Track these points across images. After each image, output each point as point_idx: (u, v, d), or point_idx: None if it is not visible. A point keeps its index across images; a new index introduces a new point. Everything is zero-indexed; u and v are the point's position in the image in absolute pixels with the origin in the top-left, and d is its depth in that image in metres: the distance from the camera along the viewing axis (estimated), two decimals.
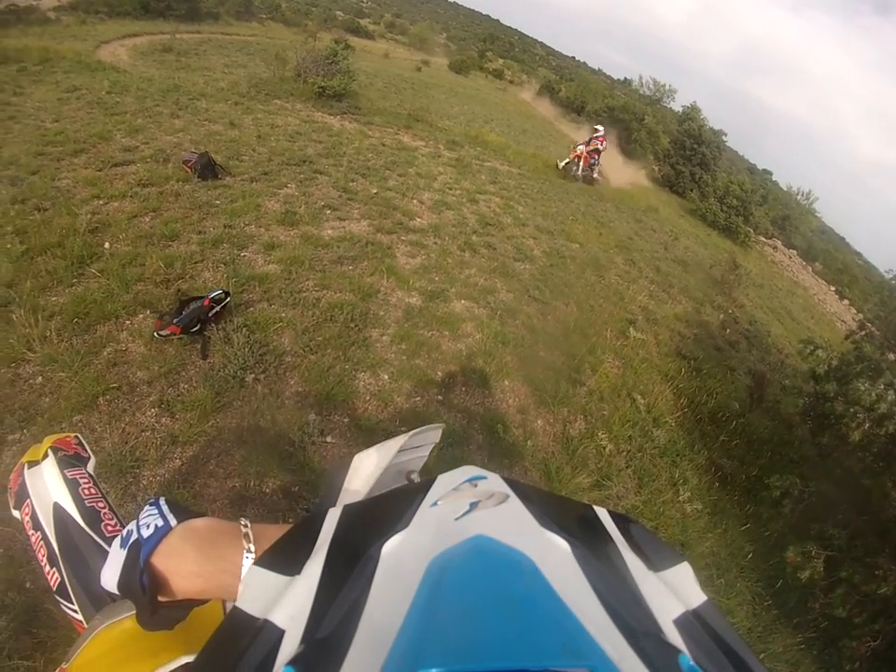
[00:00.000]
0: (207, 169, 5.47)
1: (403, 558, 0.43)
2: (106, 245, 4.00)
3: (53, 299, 3.40)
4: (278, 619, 0.41)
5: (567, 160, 13.05)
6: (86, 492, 0.93)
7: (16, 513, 0.95)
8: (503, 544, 0.40)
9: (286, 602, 0.43)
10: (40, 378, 2.87)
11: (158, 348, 3.19)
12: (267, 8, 34.45)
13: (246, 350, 3.27)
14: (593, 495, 3.48)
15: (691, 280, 8.98)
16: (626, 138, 31.44)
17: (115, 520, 0.93)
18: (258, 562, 0.51)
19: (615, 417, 4.17)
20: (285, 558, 0.50)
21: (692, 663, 0.34)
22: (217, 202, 5.09)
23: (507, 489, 0.52)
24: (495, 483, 0.55)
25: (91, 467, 1.02)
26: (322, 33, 29.34)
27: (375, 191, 6.47)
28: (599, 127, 13.98)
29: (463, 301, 4.66)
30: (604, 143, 13.43)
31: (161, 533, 0.62)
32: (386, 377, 3.57)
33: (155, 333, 3.21)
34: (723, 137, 31.38)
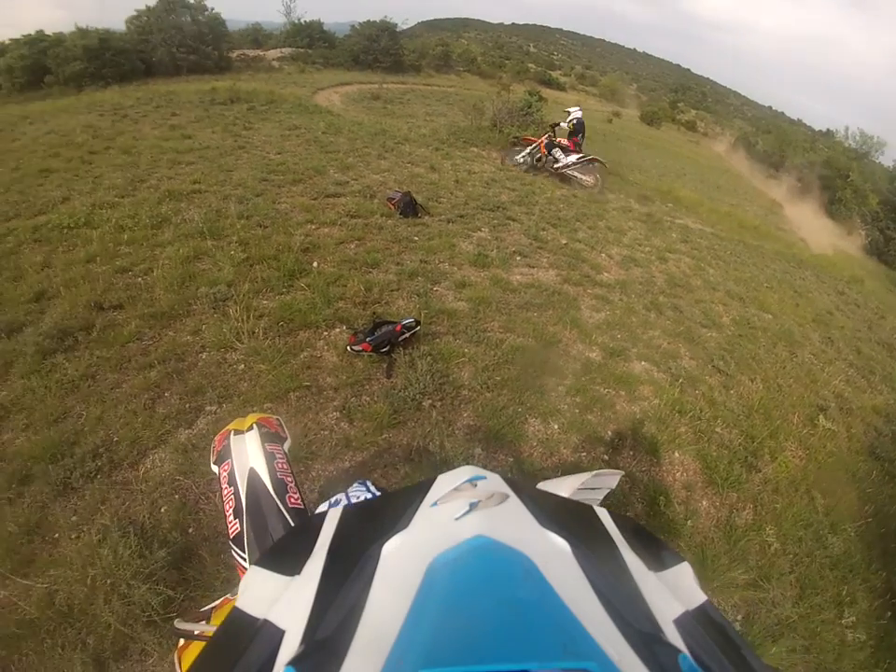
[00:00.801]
0: (409, 207, 6.14)
1: (403, 558, 0.45)
2: (315, 263, 4.69)
3: (264, 302, 4.09)
4: (278, 619, 0.44)
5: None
6: (279, 465, 1.12)
7: (215, 468, 1.16)
8: (503, 544, 0.42)
9: (286, 602, 0.47)
10: (243, 366, 3.45)
11: (348, 361, 3.62)
12: (464, 62, 37.57)
13: (428, 377, 3.56)
14: (746, 594, 3.17)
15: None
16: (829, 197, 28.88)
17: (298, 495, 1.11)
18: (257, 562, 0.54)
19: (788, 513, 3.77)
20: (285, 558, 0.54)
21: (692, 662, 0.36)
22: (416, 238, 5.71)
23: (507, 489, 0.55)
24: (495, 483, 0.57)
25: (286, 446, 1.23)
26: (515, 84, 31.36)
27: (565, 242, 6.72)
28: (572, 109, 11.08)
29: (643, 363, 4.61)
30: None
31: None
32: (556, 427, 3.63)
33: (348, 347, 3.64)
34: None
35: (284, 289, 4.26)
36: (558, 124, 10.81)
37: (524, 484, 0.58)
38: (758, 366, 5.46)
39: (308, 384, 3.37)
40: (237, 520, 1.03)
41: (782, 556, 3.50)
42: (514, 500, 0.53)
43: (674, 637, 0.42)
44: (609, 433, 3.77)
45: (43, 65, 17.98)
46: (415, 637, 0.33)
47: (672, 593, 0.48)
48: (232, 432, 1.19)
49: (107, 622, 1.99)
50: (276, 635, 0.43)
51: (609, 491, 1.11)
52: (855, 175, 30.60)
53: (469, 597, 0.35)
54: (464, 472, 0.60)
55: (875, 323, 9.80)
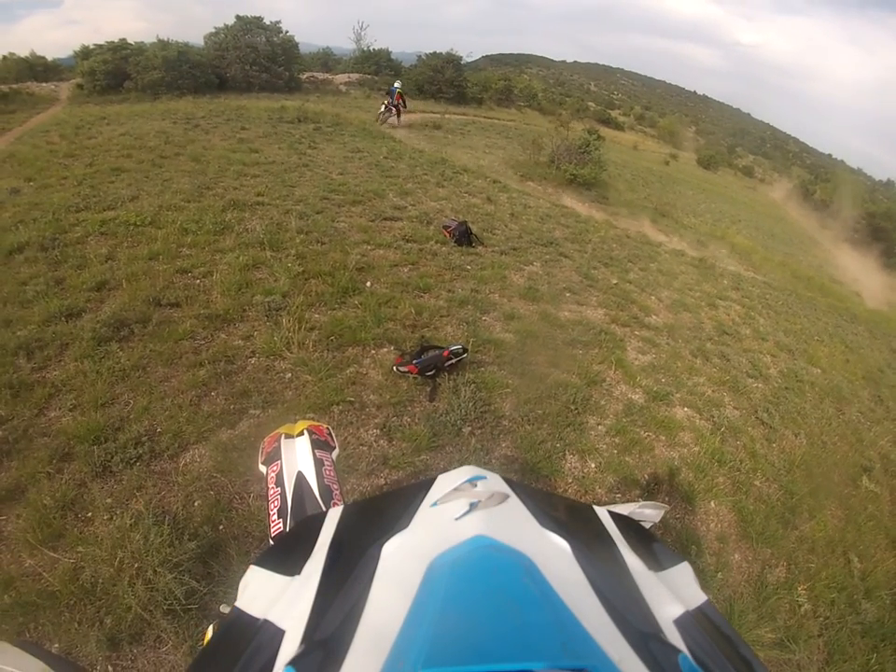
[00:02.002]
0: (464, 236, 6.24)
1: (403, 558, 0.45)
2: (368, 283, 4.79)
3: (316, 316, 4.19)
4: (278, 619, 0.45)
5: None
6: (327, 472, 1.15)
7: (262, 468, 1.18)
8: (503, 544, 0.42)
9: (286, 602, 0.47)
10: (290, 374, 3.52)
11: (393, 381, 3.66)
12: (525, 97, 38.16)
13: (470, 404, 3.57)
14: (772, 653, 3.03)
15: None
16: (887, 250, 27.87)
17: (342, 502, 1.11)
18: (257, 562, 0.55)
19: (822, 574, 3.59)
20: (285, 558, 0.54)
21: (692, 662, 0.36)
22: (469, 267, 5.79)
23: (507, 489, 0.55)
24: (495, 483, 0.57)
25: (334, 455, 1.25)
26: (574, 122, 31.55)
27: (615, 282, 6.70)
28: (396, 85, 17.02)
29: (686, 409, 4.54)
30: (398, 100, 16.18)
31: None
32: (593, 465, 3.59)
33: (394, 368, 3.68)
34: None
35: (336, 305, 4.36)
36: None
37: (524, 485, 0.58)
38: (803, 421, 5.32)
39: (352, 399, 3.41)
40: (280, 520, 1.05)
41: (812, 618, 3.37)
42: (514, 500, 0.53)
43: (674, 637, 0.42)
44: (646, 476, 3.72)
45: (123, 71, 18.99)
46: (416, 636, 0.33)
47: (672, 593, 0.48)
48: (283, 436, 1.23)
49: (128, 604, 2.03)
50: (276, 635, 0.43)
51: (652, 525, 1.10)
52: None
53: (470, 597, 0.35)
54: (464, 472, 0.59)
55: None
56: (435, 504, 0.53)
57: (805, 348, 7.34)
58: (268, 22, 22.94)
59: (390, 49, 34.00)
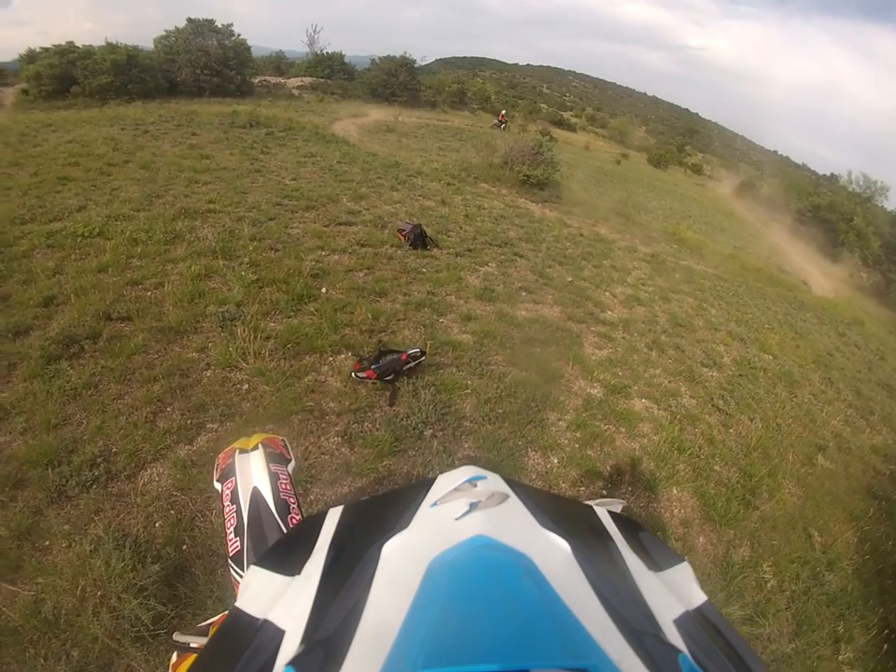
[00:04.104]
0: (419, 239, 6.22)
1: (403, 559, 0.45)
2: (324, 289, 4.73)
3: (272, 324, 4.11)
4: (278, 619, 0.44)
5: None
6: (283, 486, 1.11)
7: (217, 486, 1.14)
8: (503, 544, 0.42)
9: (286, 602, 0.46)
10: (247, 386, 3.44)
11: (352, 387, 3.62)
12: (478, 100, 38.48)
13: (430, 407, 3.56)
14: (743, 630, 3.11)
15: None
16: (832, 240, 29.24)
17: (300, 516, 1.09)
18: (257, 562, 0.54)
19: (785, 551, 3.74)
20: (285, 558, 0.54)
21: (692, 662, 0.36)
22: (424, 269, 5.78)
23: (507, 489, 0.54)
24: (495, 483, 0.57)
25: (290, 467, 1.21)
26: (528, 124, 31.98)
27: (570, 280, 6.79)
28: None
29: (644, 400, 4.63)
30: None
31: None
32: (556, 461, 3.62)
33: (353, 374, 3.64)
34: None
35: (292, 313, 4.29)
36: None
37: (523, 485, 0.58)
38: (757, 405, 5.50)
39: (311, 407, 3.36)
40: (238, 538, 1.02)
41: (778, 593, 3.50)
42: (514, 500, 0.52)
43: (674, 637, 0.42)
44: (608, 469, 3.77)
45: (71, 75, 18.38)
46: (416, 636, 0.33)
47: (672, 593, 0.48)
48: (237, 451, 1.18)
49: (94, 634, 1.96)
50: (276, 635, 0.43)
51: None
52: (858, 218, 31.13)
53: (470, 597, 0.35)
54: (464, 472, 0.59)
55: (876, 364, 9.86)
56: (435, 504, 0.53)
57: (756, 336, 7.58)
58: (220, 25, 22.59)
59: (344, 53, 33.81)
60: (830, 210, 30.97)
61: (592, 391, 4.48)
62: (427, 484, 0.59)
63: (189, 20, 22.05)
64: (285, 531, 1.03)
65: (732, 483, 4.13)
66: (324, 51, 33.31)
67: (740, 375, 5.99)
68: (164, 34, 21.80)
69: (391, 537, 0.48)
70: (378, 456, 3.15)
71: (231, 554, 1.02)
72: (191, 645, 0.93)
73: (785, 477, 4.56)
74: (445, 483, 0.57)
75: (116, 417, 3.00)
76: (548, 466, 3.58)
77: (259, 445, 1.19)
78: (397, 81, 28.51)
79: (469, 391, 3.91)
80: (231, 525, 1.05)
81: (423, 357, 3.87)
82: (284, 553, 0.56)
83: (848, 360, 9.12)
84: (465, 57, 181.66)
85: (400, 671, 0.30)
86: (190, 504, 2.61)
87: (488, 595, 0.35)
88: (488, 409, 3.79)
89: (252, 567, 0.54)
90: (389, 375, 3.66)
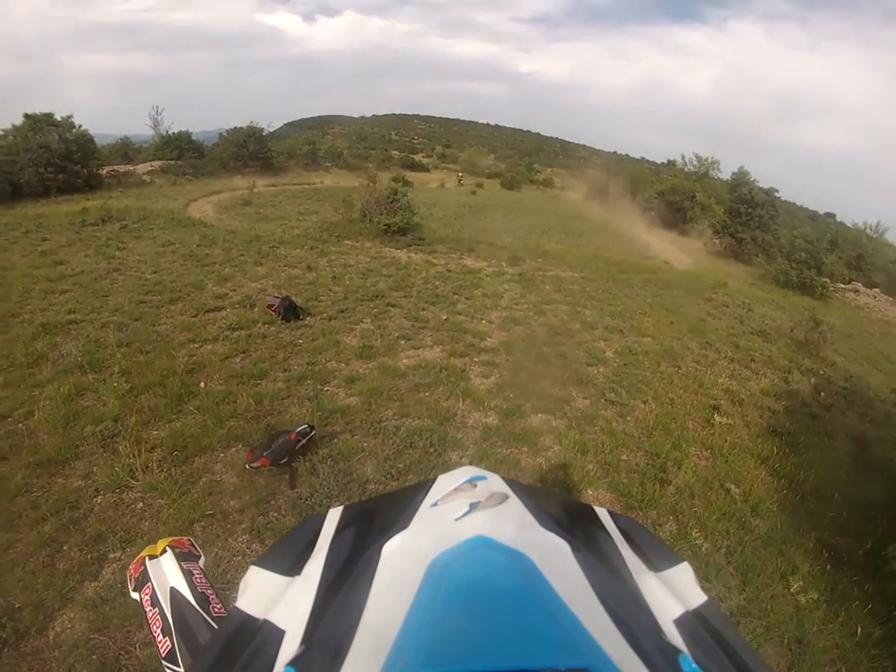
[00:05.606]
0: (290, 311, 6.16)
1: (403, 559, 0.44)
2: (202, 384, 4.55)
3: (155, 432, 3.89)
4: (278, 619, 0.44)
5: None
6: (198, 580, 1.11)
7: (135, 595, 1.13)
8: (503, 544, 0.42)
9: (286, 602, 0.46)
10: (141, 504, 3.24)
11: (249, 479, 3.50)
12: (331, 157, 38.74)
13: (332, 479, 3.52)
14: None
15: (773, 349, 8.68)
16: (682, 218, 31.75)
17: (220, 605, 1.10)
18: (258, 562, 0.54)
19: (708, 513, 3.91)
20: (285, 558, 0.54)
21: (692, 663, 0.36)
22: (300, 341, 5.72)
23: (507, 489, 0.54)
24: (495, 483, 0.57)
25: (201, 562, 1.21)
26: (382, 173, 32.62)
27: (445, 317, 6.95)
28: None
29: (539, 415, 4.76)
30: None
31: None
32: None
33: (247, 465, 3.52)
34: (776, 193, 31.58)
35: (173, 416, 4.09)
36: None
37: (524, 485, 0.57)
38: (647, 387, 5.80)
39: (212, 511, 3.22)
40: (166, 637, 1.02)
41: (715, 553, 3.62)
42: (514, 501, 0.52)
43: (674, 637, 0.42)
44: None
45: None
46: (416, 637, 0.32)
47: (672, 593, 0.48)
48: (147, 557, 1.17)
49: None
50: (276, 635, 0.42)
51: None
52: (700, 193, 33.97)
53: (470, 597, 0.35)
54: (464, 472, 0.58)
55: (745, 316, 10.78)
56: (435, 504, 0.52)
57: (632, 324, 8.03)
58: (59, 118, 21.12)
59: (191, 131, 32.85)
60: (673, 192, 33.42)
61: (487, 420, 4.57)
62: (427, 485, 0.58)
63: (27, 115, 20.52)
64: (210, 620, 1.03)
65: (642, 467, 4.29)
66: (169, 132, 32.11)
67: (625, 364, 6.32)
68: (1, 133, 20.20)
69: (391, 537, 0.47)
70: None
71: (163, 655, 1.01)
72: None
73: (689, 445, 4.80)
74: (445, 483, 0.57)
75: (11, 569, 2.73)
76: None
77: (167, 548, 1.18)
78: (247, 152, 28.21)
79: (367, 453, 3.89)
80: (158, 627, 1.04)
81: (312, 432, 3.81)
82: (284, 554, 0.56)
83: (720, 320, 9.89)
84: (312, 117, 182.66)
85: (400, 671, 0.30)
86: (111, 644, 2.40)
87: (488, 595, 0.35)
88: (388, 466, 3.78)
89: (252, 567, 0.54)
90: (284, 458, 3.57)
